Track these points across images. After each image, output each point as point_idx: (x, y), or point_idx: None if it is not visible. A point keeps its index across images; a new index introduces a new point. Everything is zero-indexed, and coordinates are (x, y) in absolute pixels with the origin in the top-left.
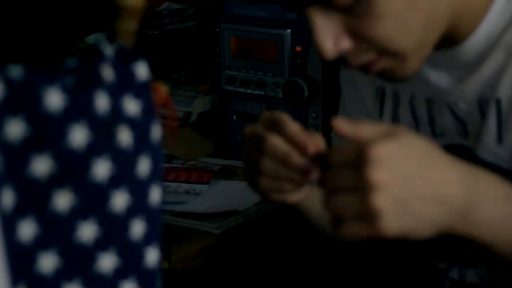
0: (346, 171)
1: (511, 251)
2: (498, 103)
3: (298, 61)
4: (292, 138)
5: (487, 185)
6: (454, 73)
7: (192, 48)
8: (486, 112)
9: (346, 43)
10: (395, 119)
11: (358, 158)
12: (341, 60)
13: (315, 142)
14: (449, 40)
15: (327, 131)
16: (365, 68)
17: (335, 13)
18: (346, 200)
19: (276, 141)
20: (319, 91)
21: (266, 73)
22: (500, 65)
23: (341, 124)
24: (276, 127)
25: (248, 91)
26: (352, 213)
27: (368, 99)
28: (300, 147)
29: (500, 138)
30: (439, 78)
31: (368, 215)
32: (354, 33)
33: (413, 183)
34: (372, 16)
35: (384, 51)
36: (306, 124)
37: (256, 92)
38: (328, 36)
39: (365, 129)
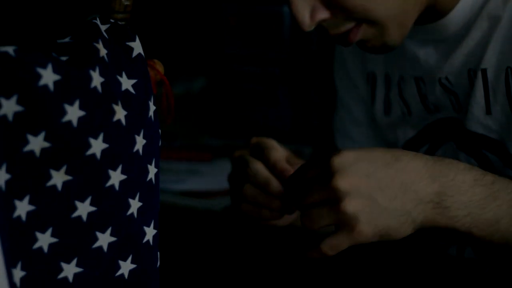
0: (317, 187)
1: (492, 235)
2: (484, 73)
3: (299, 38)
4: (274, 165)
5: (453, 171)
6: (442, 48)
7: (191, 27)
8: (474, 83)
9: (323, 14)
10: (386, 104)
11: (324, 173)
12: (321, 31)
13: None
14: (434, 12)
15: (328, 111)
16: (345, 39)
17: None
18: (321, 213)
19: (257, 168)
20: (320, 68)
21: (266, 51)
22: (485, 35)
23: None
24: (261, 153)
25: (248, 69)
26: (329, 222)
27: (360, 85)
28: (280, 175)
29: (488, 109)
30: (427, 55)
31: (345, 222)
32: (330, 3)
33: (378, 179)
34: None
35: (361, 20)
36: (308, 102)
37: (256, 70)
38: (305, 7)
39: None
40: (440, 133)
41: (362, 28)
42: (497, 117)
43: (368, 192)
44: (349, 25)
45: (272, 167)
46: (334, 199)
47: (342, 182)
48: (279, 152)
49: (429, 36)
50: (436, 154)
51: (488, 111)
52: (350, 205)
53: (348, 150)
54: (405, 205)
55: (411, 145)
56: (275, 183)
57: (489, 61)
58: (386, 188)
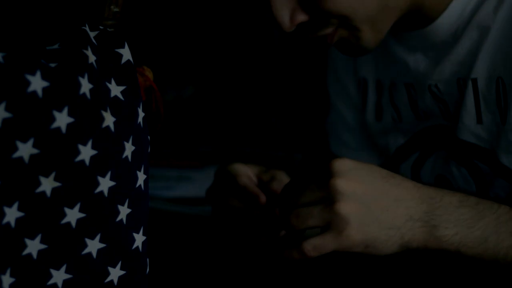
0: (313, 186)
1: (481, 253)
2: (475, 83)
3: (290, 45)
4: (244, 193)
5: (440, 195)
6: (431, 54)
7: (180, 33)
8: (464, 93)
9: (302, 16)
10: (378, 110)
11: (322, 175)
12: (300, 33)
13: (276, 184)
14: (422, 18)
15: (321, 116)
16: (323, 41)
17: None
18: (312, 212)
19: (234, 204)
20: (312, 74)
21: (257, 57)
22: (475, 44)
23: None
24: (231, 181)
25: (239, 75)
26: (318, 222)
27: (351, 90)
28: (254, 199)
29: (479, 118)
30: (417, 61)
31: (335, 223)
32: (308, 7)
33: (375, 188)
34: None
35: (338, 24)
36: (300, 108)
37: (247, 76)
38: (285, 9)
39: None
40: (430, 141)
41: (338, 31)
42: (488, 127)
43: (363, 198)
44: (328, 30)
45: (244, 194)
46: (329, 199)
47: (341, 183)
48: (245, 178)
49: (419, 43)
50: (428, 162)
51: (479, 121)
52: (344, 207)
53: (348, 158)
54: (395, 219)
55: (402, 152)
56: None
57: (480, 71)
58: (380, 198)
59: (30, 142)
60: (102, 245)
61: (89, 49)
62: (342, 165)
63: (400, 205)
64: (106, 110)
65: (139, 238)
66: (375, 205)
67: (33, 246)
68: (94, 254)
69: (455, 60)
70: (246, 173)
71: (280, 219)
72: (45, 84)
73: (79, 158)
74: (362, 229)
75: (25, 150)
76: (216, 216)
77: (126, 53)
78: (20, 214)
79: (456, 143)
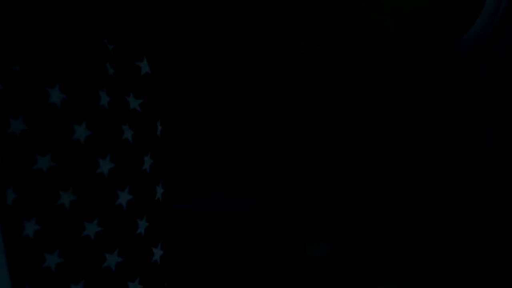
0: None
1: None
2: (493, 115)
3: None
4: None
5: None
6: (445, 78)
7: (200, 46)
8: (480, 124)
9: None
10: None
11: None
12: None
13: None
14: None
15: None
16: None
17: None
18: None
19: None
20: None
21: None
22: (490, 75)
23: None
24: None
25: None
26: None
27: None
28: None
29: (496, 146)
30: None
31: None
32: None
33: None
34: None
35: None
36: None
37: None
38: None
39: None
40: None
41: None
42: (505, 155)
43: None
44: None
45: None
46: None
47: None
48: None
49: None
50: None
51: (496, 149)
52: None
53: None
54: None
55: None
56: None
57: (496, 104)
58: None
59: (49, 155)
60: (120, 259)
61: (107, 61)
62: None
63: None
64: (124, 123)
65: (157, 252)
66: None
67: (52, 260)
68: (113, 268)
69: (469, 89)
70: None
71: None
72: (64, 96)
73: (98, 171)
74: None
75: (44, 162)
76: None
77: (144, 66)
78: (38, 227)
79: (474, 169)
